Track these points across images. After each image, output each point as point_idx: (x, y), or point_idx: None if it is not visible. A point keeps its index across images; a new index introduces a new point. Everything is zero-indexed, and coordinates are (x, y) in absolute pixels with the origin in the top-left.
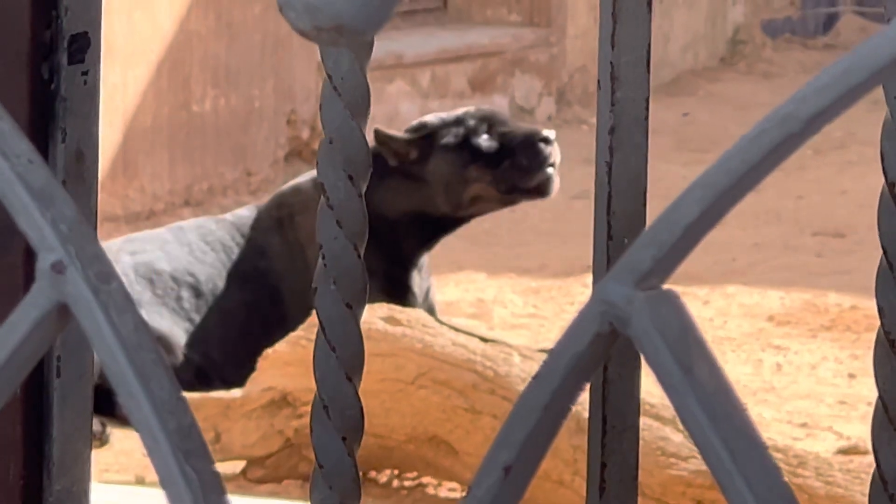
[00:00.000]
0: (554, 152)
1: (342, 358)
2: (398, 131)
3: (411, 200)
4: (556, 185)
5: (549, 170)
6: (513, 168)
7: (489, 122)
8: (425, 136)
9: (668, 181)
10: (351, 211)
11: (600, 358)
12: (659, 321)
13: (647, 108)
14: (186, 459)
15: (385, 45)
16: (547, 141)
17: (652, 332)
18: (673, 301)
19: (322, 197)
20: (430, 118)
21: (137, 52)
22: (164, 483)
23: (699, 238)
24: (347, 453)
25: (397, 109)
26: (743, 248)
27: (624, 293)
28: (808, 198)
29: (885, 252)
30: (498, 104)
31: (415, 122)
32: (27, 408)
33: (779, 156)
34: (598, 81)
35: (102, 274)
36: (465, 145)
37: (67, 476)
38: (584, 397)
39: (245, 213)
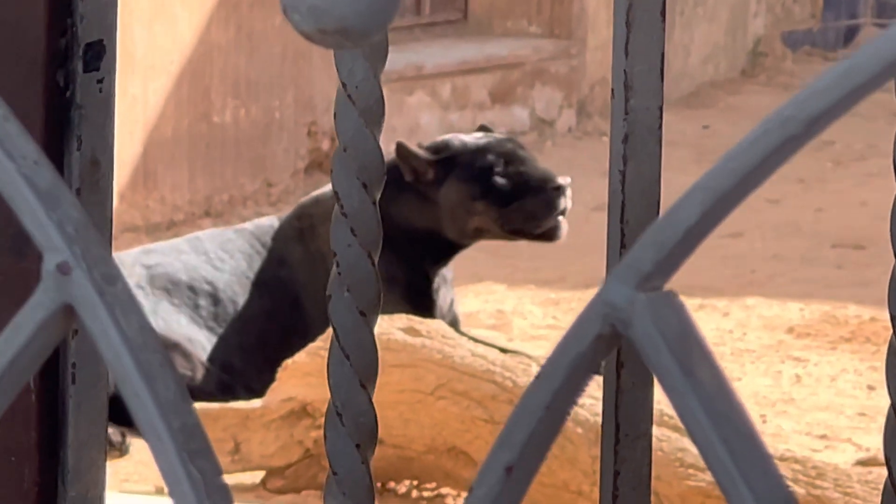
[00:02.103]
0: (565, 201)
1: (356, 365)
2: (420, 146)
3: (422, 218)
4: (563, 232)
5: (559, 218)
6: (521, 211)
7: (508, 157)
8: (445, 159)
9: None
10: (365, 219)
11: (601, 358)
12: (660, 323)
13: (660, 117)
14: (191, 459)
15: (406, 57)
16: (559, 189)
17: (653, 334)
18: (674, 302)
19: (336, 205)
20: (455, 140)
21: (158, 63)
22: (169, 483)
23: (700, 240)
24: (361, 461)
25: (417, 121)
26: (763, 260)
27: (625, 294)
28: (827, 210)
29: None
30: (518, 116)
31: (439, 140)
32: (42, 414)
33: (779, 158)
34: (612, 90)
35: (108, 275)
36: (479, 178)
37: (82, 482)
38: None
39: (265, 222)
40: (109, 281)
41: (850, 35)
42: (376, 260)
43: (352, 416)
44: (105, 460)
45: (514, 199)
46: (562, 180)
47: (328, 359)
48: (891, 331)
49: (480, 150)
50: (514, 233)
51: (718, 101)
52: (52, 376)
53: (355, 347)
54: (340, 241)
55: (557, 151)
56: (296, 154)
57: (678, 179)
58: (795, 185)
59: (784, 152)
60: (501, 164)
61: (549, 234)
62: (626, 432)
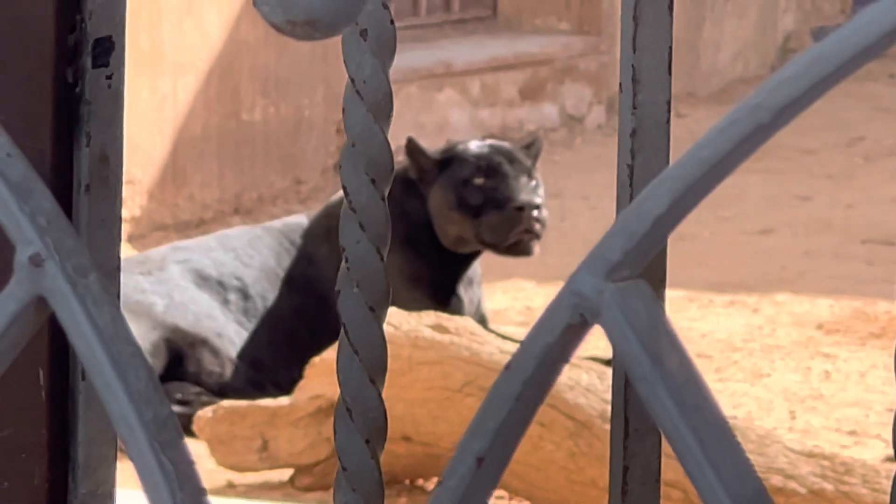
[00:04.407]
0: (528, 220)
1: (365, 361)
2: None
3: (426, 217)
4: (533, 248)
5: (525, 236)
6: (486, 225)
7: (489, 170)
8: (445, 160)
9: (717, 190)
10: (373, 214)
11: (572, 348)
12: (629, 312)
13: (668, 111)
14: (163, 450)
15: (435, 54)
16: (521, 209)
17: (621, 323)
18: (643, 292)
19: (345, 200)
20: (460, 144)
21: (187, 61)
22: (141, 474)
23: (670, 229)
24: (370, 456)
25: (447, 118)
26: (792, 257)
27: (594, 284)
28: (857, 206)
29: None
30: (547, 113)
31: (452, 143)
32: (52, 411)
33: (748, 147)
34: (620, 84)
35: (80, 267)
36: (456, 188)
37: (92, 479)
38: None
39: (294, 220)
40: (81, 273)
41: None
42: (385, 255)
43: (361, 412)
44: (115, 457)
45: (482, 213)
46: (524, 200)
47: (337, 354)
48: None
49: (465, 160)
50: (485, 245)
51: None
52: (61, 372)
53: (364, 343)
54: (349, 237)
55: (587, 148)
56: (325, 151)
57: None
58: (825, 182)
59: (753, 141)
60: (480, 177)
61: (518, 250)
62: (635, 427)
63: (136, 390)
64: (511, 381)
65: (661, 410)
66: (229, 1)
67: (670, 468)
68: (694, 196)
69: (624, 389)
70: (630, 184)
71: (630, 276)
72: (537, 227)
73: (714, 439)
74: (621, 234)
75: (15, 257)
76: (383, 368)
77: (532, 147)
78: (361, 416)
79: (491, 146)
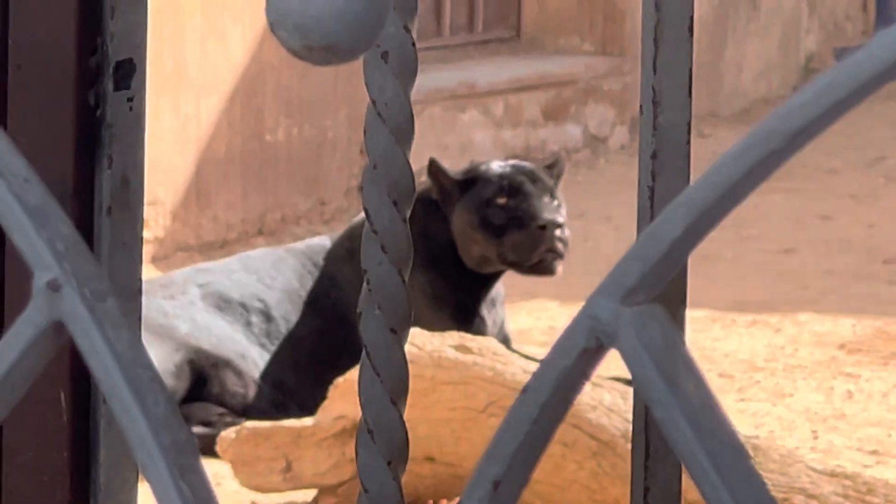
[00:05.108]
0: (551, 239)
1: (387, 382)
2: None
3: (449, 237)
4: (556, 269)
5: (548, 255)
6: (509, 245)
7: (512, 189)
8: (466, 180)
9: (739, 209)
10: (395, 236)
11: (589, 372)
12: (645, 336)
13: (688, 133)
14: (181, 475)
15: (458, 75)
16: (544, 228)
17: (637, 347)
18: (659, 316)
19: (366, 222)
20: (482, 164)
21: (210, 82)
22: (159, 499)
23: (686, 253)
24: (392, 477)
25: (470, 139)
26: (814, 276)
27: (610, 308)
28: (880, 226)
29: None
30: (571, 133)
31: (474, 164)
32: (74, 433)
33: (763, 171)
34: (640, 106)
35: (98, 291)
36: (479, 208)
37: (113, 501)
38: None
39: (317, 242)
40: (99, 297)
41: None
42: (407, 277)
43: (383, 434)
44: (136, 479)
45: (507, 232)
46: (547, 219)
47: (359, 376)
48: None
49: (488, 180)
50: (508, 264)
51: None
52: (83, 396)
53: (386, 365)
54: (371, 259)
55: (610, 169)
56: (349, 172)
57: None
58: (848, 201)
59: (767, 166)
60: (503, 196)
61: (541, 269)
62: (656, 448)
63: (155, 415)
64: (528, 404)
65: (677, 434)
66: (253, 21)
67: (691, 488)
68: (709, 220)
69: (645, 411)
70: (651, 205)
71: (646, 299)
72: (560, 246)
73: (730, 463)
74: (637, 259)
75: (33, 282)
76: (405, 390)
77: (555, 167)
78: (383, 438)
79: (513, 166)
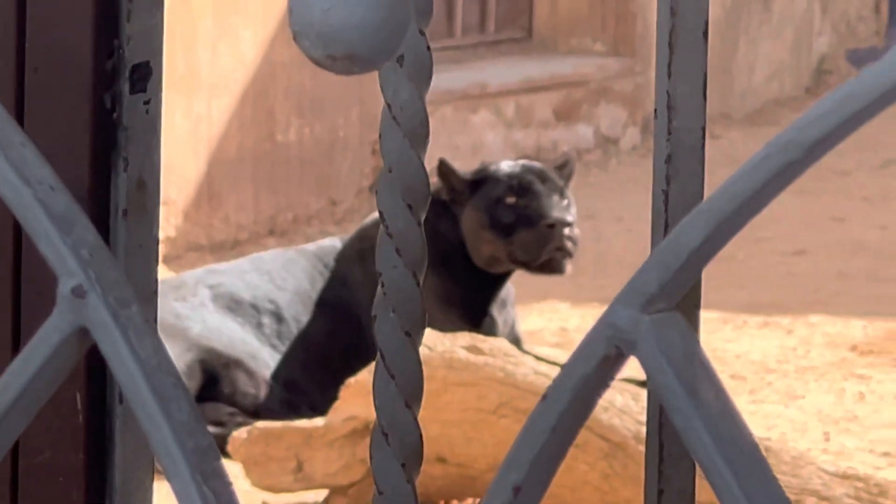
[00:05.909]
0: (559, 238)
1: (401, 385)
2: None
3: (459, 238)
4: (565, 267)
5: (557, 254)
6: (519, 244)
7: (521, 189)
8: (477, 181)
9: None
10: (410, 240)
11: (608, 380)
12: (664, 344)
13: (703, 137)
14: (205, 480)
15: (470, 75)
16: (552, 227)
17: (657, 355)
18: (678, 324)
19: (381, 226)
20: (492, 164)
21: (222, 82)
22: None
23: (705, 262)
24: (407, 479)
25: (482, 139)
26: (827, 278)
27: (630, 316)
28: (891, 228)
29: None
30: (582, 134)
31: (484, 164)
32: (90, 434)
33: (781, 182)
34: (655, 110)
35: (122, 298)
36: (488, 208)
37: (129, 502)
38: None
39: (328, 243)
40: (124, 304)
41: None
42: (422, 280)
43: (397, 436)
44: (153, 481)
45: (516, 231)
46: (556, 218)
47: (374, 379)
48: None
49: (497, 180)
50: (518, 264)
51: (783, 119)
52: (99, 397)
53: (400, 367)
54: (386, 262)
55: (622, 169)
56: (360, 172)
57: None
58: (860, 203)
59: (785, 177)
60: (512, 196)
61: (550, 268)
62: (669, 451)
63: (179, 421)
64: (547, 411)
65: (696, 442)
66: (264, 22)
67: (704, 489)
68: (728, 230)
69: (659, 413)
70: (665, 210)
71: (666, 308)
72: (569, 244)
73: (749, 471)
74: (657, 267)
75: (58, 289)
76: (419, 393)
77: (565, 167)
78: (398, 441)
79: (523, 166)
